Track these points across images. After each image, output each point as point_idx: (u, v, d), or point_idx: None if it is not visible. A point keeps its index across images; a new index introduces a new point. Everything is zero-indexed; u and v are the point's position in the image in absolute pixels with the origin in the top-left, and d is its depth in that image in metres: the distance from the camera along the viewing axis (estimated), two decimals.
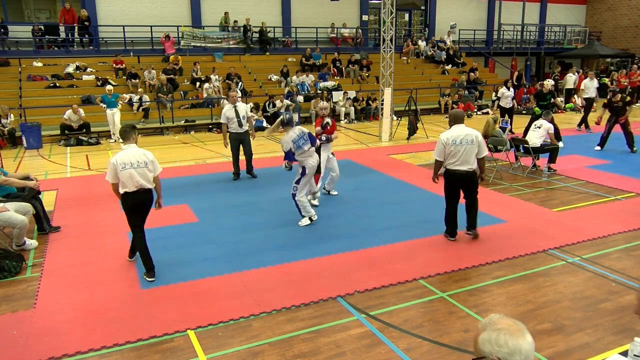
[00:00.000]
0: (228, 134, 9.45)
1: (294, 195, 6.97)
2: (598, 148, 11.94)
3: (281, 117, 7.18)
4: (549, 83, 12.86)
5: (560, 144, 12.17)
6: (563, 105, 15.10)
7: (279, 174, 9.99)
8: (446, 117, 17.35)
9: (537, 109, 12.33)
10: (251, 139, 9.67)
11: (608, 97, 12.06)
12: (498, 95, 15.74)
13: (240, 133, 9.43)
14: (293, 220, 7.27)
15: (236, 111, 9.27)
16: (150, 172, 5.35)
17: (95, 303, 4.90)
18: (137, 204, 5.34)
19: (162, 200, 5.74)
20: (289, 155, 6.87)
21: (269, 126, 15.75)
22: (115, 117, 14.16)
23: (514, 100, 15.24)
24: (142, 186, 5.26)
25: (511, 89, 14.83)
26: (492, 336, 1.72)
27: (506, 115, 14.26)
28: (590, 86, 15.09)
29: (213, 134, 15.49)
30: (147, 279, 5.35)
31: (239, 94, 16.75)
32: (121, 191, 5.30)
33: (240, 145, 9.55)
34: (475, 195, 6.34)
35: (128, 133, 5.42)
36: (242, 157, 9.68)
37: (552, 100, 13.15)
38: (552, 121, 12.12)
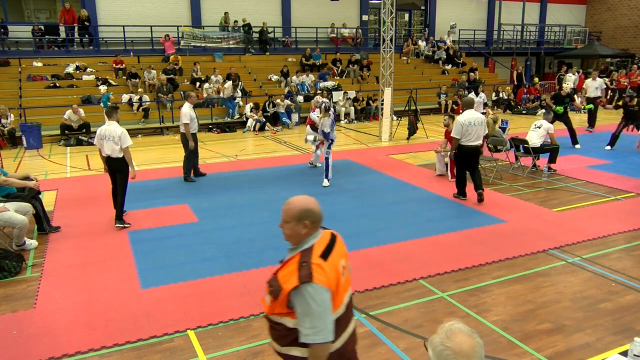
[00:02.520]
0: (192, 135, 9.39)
1: (327, 159, 9.10)
2: (608, 147, 11.94)
3: (323, 104, 9.31)
4: (567, 86, 12.62)
5: (577, 146, 12.15)
6: (583, 107, 14.65)
7: (279, 174, 10.00)
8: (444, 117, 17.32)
9: (558, 108, 12.23)
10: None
11: (624, 100, 12.12)
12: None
13: (195, 134, 9.54)
14: None
15: (195, 113, 9.48)
16: (117, 144, 6.89)
17: (95, 303, 4.90)
18: (109, 167, 7.12)
19: (135, 171, 7.23)
20: (326, 135, 9.15)
21: (269, 125, 15.79)
22: None
23: (488, 107, 14.74)
24: (109, 154, 6.96)
25: (482, 95, 14.33)
26: (438, 347, 1.66)
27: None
28: (590, 86, 15.02)
29: (213, 134, 15.49)
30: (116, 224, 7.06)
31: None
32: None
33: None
34: (477, 165, 7.99)
35: (111, 112, 7.13)
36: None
37: (571, 103, 12.93)
38: (568, 123, 12.11)
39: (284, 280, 2.32)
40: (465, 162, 7.88)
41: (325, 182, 9.08)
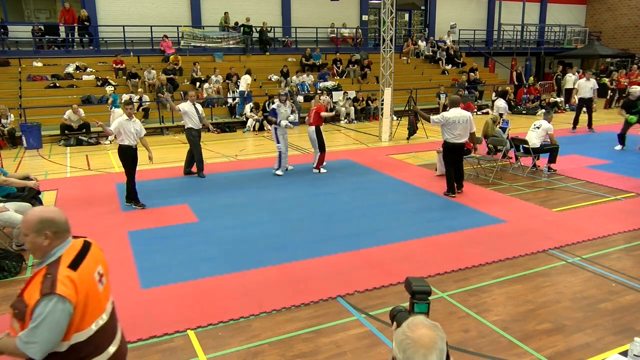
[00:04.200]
0: (192, 130, 9.81)
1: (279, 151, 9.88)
2: (619, 147, 11.79)
3: (283, 94, 10.10)
4: (636, 89, 12.02)
5: (618, 147, 11.78)
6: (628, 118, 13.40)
7: (278, 174, 10.00)
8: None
9: (631, 118, 11.67)
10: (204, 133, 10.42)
11: None
12: (499, 111, 12.74)
13: (199, 130, 9.80)
14: (293, 220, 7.28)
15: (195, 108, 9.71)
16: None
17: None
18: None
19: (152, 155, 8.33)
20: (273, 113, 9.98)
21: (267, 124, 15.78)
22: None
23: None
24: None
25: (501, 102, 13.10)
26: (399, 337, 1.73)
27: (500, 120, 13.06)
28: (584, 86, 14.84)
29: (213, 134, 15.48)
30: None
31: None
32: None
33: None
34: (462, 161, 8.48)
35: (125, 106, 8.05)
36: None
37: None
38: (627, 125, 11.42)
39: (29, 297, 2.20)
40: (451, 158, 8.21)
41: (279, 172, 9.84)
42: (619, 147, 11.90)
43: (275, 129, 9.95)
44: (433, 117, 8.21)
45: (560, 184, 9.15)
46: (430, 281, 5.30)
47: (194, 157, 9.90)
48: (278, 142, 9.93)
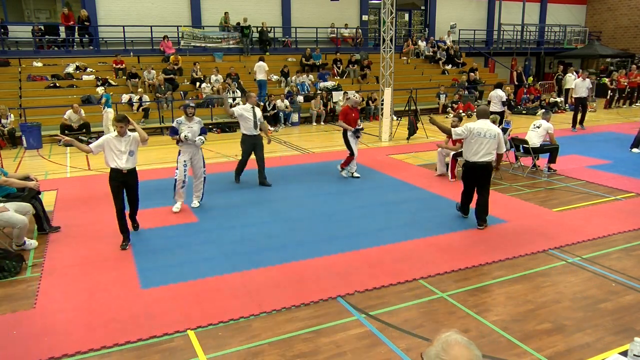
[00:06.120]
0: (244, 136, 9.39)
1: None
2: (636, 150, 11.56)
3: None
4: None
5: (635, 150, 11.53)
6: None
7: (279, 174, 10.00)
8: (446, 116, 17.34)
9: None
10: (265, 142, 9.42)
11: None
12: (501, 99, 12.65)
13: (255, 136, 9.24)
14: (293, 220, 7.28)
15: (254, 113, 9.17)
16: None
17: (95, 303, 4.90)
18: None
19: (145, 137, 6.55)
20: (173, 130, 8.34)
21: (269, 126, 15.78)
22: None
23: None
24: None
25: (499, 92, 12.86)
26: (432, 358, 1.64)
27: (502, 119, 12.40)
28: (581, 85, 14.93)
29: (213, 134, 15.47)
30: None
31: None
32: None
33: (253, 150, 9.35)
34: (488, 188, 6.88)
35: (116, 123, 6.33)
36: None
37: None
38: None
39: None
40: (471, 179, 6.91)
41: (177, 207, 7.82)
42: (635, 150, 11.62)
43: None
44: (456, 130, 6.93)
45: (560, 184, 9.15)
46: (430, 281, 5.31)
47: (259, 164, 9.31)
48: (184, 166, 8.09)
